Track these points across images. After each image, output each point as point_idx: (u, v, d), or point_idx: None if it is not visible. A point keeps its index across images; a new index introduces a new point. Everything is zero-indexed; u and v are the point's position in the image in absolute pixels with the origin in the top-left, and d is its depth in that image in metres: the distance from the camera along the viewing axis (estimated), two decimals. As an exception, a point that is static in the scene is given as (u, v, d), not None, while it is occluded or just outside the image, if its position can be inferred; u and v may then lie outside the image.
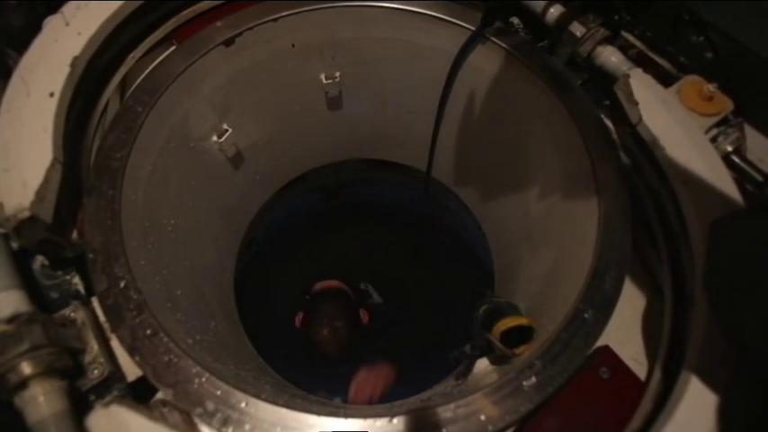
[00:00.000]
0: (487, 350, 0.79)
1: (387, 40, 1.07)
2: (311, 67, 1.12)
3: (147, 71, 0.91)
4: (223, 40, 0.94)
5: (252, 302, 1.30)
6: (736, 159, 0.76)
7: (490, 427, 0.60)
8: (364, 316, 1.54)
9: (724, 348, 0.59)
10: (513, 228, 1.18)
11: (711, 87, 0.77)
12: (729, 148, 0.76)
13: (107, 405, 0.57)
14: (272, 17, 0.97)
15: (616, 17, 0.89)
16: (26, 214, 0.62)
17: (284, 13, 0.98)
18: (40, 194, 0.64)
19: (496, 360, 0.79)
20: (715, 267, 0.59)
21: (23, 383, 0.53)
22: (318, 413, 0.60)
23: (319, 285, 1.56)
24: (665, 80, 0.82)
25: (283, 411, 0.60)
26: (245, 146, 1.17)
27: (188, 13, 0.98)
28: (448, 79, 1.06)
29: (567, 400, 0.63)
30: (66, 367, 0.58)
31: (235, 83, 1.03)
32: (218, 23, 0.95)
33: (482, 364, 0.80)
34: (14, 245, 0.66)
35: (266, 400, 0.61)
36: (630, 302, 0.72)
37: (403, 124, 1.32)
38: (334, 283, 1.56)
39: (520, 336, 0.73)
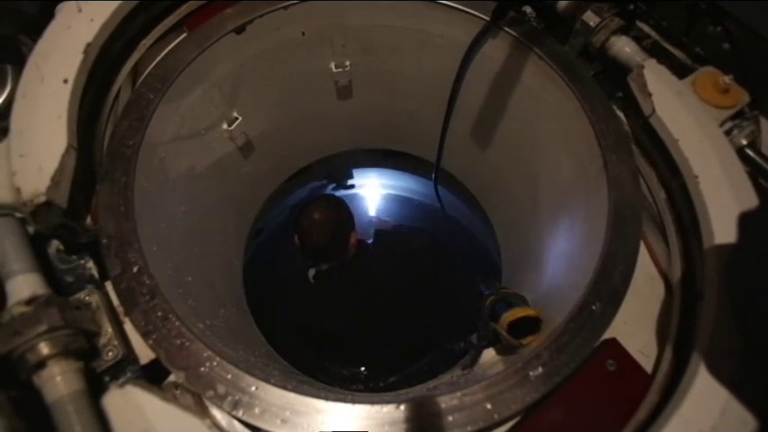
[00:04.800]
0: (494, 340, 0.80)
1: (397, 28, 1.07)
2: (321, 56, 1.11)
3: (158, 58, 0.91)
4: (234, 27, 0.94)
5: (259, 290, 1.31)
6: (750, 153, 0.75)
7: (496, 416, 0.60)
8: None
9: (732, 342, 0.59)
10: (522, 219, 1.18)
11: (727, 79, 0.75)
12: (744, 142, 0.75)
13: (122, 386, 0.58)
14: (282, 5, 0.97)
15: (631, 6, 0.88)
16: (42, 199, 0.64)
17: (295, 1, 0.97)
18: (56, 180, 0.65)
19: (503, 350, 0.80)
20: (738, 261, 0.57)
21: (42, 363, 0.55)
22: (326, 398, 0.61)
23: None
24: (680, 71, 0.81)
25: (292, 396, 0.61)
26: (255, 134, 1.18)
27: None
28: (459, 70, 1.05)
29: (572, 390, 0.64)
30: (82, 349, 0.59)
31: (245, 71, 1.03)
32: (229, 11, 0.95)
33: (488, 354, 0.81)
34: (31, 229, 0.67)
35: (276, 384, 0.62)
36: (639, 296, 0.72)
37: (413, 114, 1.31)
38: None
39: (527, 326, 0.73)
